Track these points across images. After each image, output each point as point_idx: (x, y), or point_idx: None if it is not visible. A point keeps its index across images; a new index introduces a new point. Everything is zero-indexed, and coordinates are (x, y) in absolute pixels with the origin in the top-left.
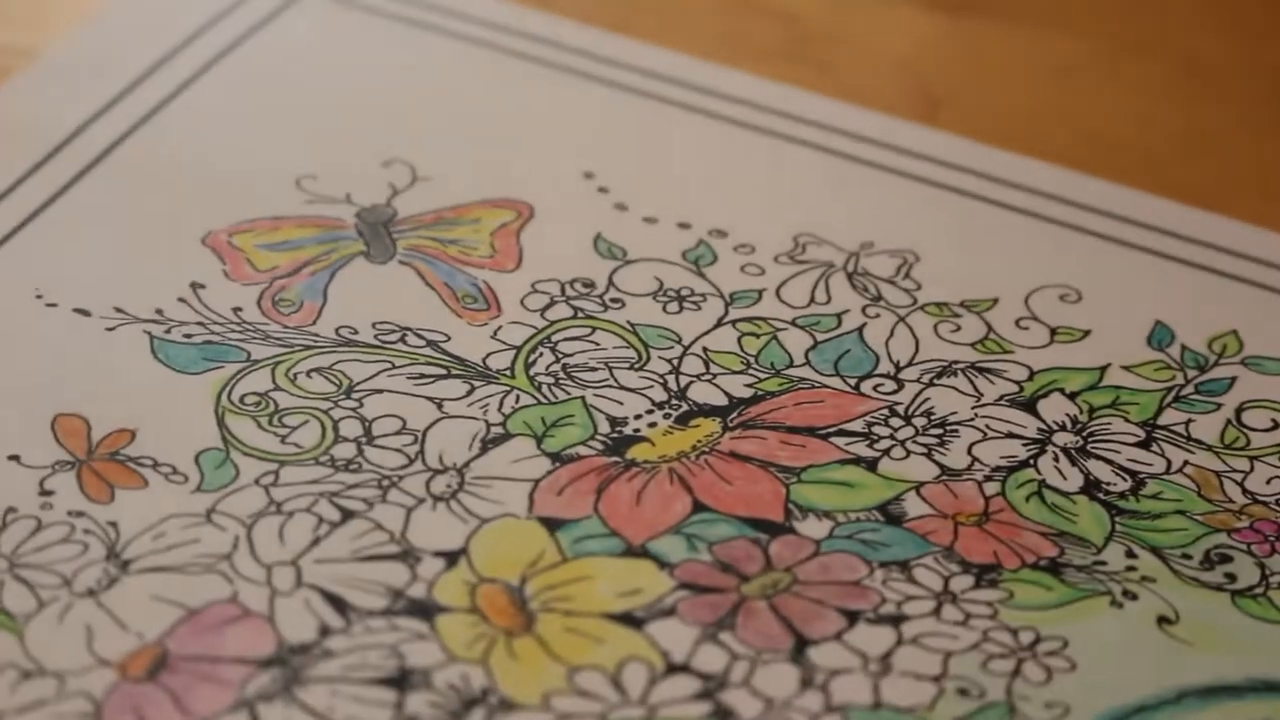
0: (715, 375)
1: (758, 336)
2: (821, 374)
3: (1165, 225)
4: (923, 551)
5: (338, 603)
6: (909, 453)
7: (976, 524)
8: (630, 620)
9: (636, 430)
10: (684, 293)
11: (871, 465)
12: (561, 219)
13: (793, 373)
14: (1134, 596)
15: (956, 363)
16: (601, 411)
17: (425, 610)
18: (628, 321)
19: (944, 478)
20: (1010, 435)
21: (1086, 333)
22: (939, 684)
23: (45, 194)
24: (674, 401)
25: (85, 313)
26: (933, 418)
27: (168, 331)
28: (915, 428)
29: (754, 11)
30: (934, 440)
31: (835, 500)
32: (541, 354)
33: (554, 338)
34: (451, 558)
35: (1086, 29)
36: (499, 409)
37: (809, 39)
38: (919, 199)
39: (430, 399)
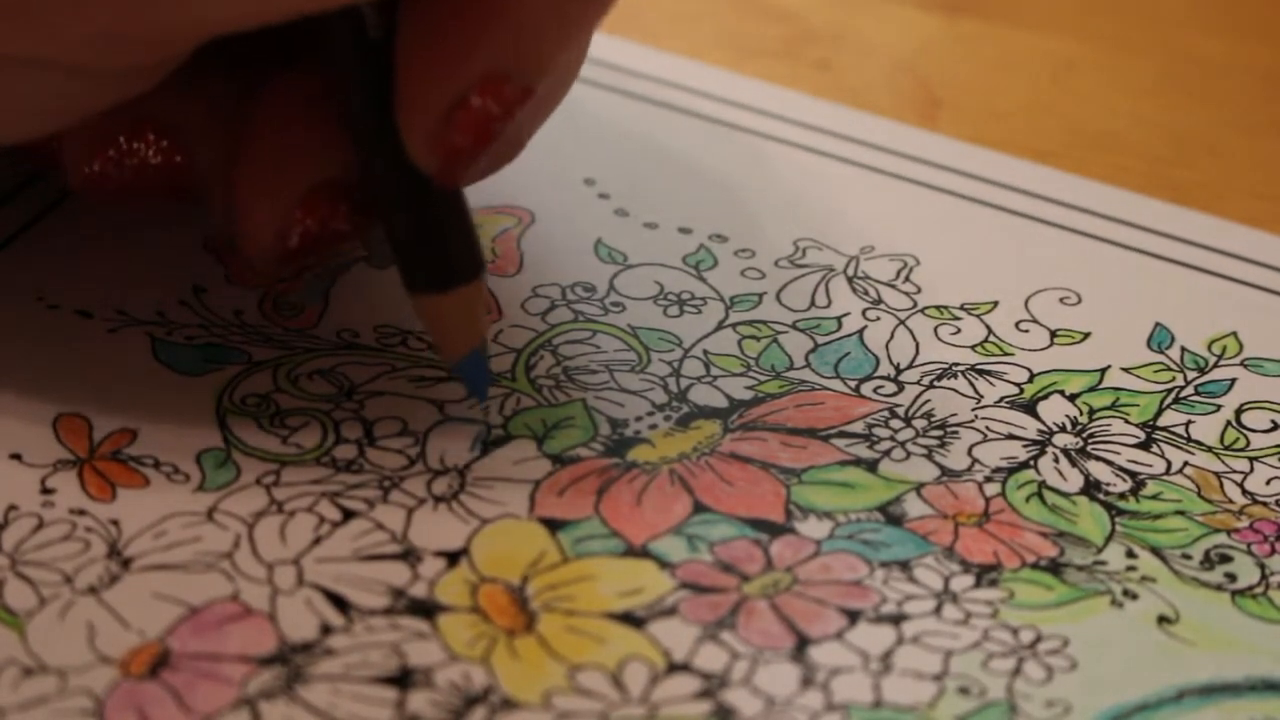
0: (716, 378)
1: (758, 339)
2: (822, 376)
3: (1165, 227)
4: (923, 551)
5: (339, 601)
6: (909, 454)
7: (977, 524)
8: (631, 620)
9: (637, 432)
10: (684, 296)
11: (872, 466)
12: (562, 225)
13: (793, 375)
14: (1134, 596)
15: (956, 365)
16: (602, 414)
17: (426, 609)
18: (628, 325)
19: (944, 479)
20: (1010, 437)
21: (1086, 335)
22: (940, 682)
23: (49, 197)
24: (675, 404)
25: (87, 314)
26: (933, 419)
27: (169, 333)
28: (915, 429)
29: (754, 11)
30: (934, 442)
31: (836, 501)
32: (542, 357)
33: (554, 341)
34: (453, 557)
35: (1086, 30)
36: (500, 411)
37: (809, 39)
38: (918, 203)
39: (431, 401)
